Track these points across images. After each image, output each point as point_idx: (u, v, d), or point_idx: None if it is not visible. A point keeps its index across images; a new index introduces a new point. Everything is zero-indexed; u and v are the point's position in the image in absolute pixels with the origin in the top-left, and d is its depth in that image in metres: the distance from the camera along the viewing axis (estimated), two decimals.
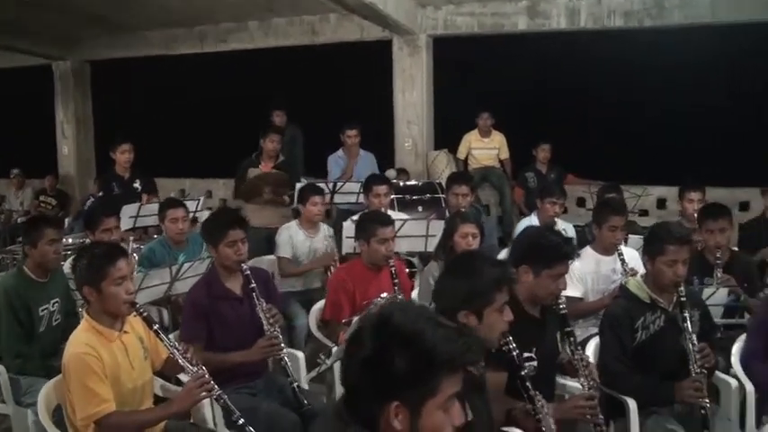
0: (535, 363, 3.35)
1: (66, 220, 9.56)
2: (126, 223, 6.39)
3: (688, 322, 3.68)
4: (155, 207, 6.43)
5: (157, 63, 12.29)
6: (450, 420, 1.91)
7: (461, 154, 10.04)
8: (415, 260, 6.40)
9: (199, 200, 7.62)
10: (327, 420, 2.04)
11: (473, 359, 1.98)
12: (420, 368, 1.83)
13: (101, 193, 8.06)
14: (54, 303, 4.64)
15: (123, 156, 8.09)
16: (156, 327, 3.56)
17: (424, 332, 1.85)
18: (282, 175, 7.74)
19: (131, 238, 6.08)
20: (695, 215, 5.52)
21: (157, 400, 3.78)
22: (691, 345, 3.65)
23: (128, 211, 6.61)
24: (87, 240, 6.78)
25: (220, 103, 12.44)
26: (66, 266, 4.96)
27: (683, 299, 3.71)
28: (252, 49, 11.35)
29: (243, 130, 9.94)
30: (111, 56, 12.32)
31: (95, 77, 12.89)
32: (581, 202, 9.30)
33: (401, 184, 8.03)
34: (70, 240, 6.80)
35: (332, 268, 5.96)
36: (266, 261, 6.18)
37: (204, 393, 3.46)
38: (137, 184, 8.20)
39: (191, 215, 6.46)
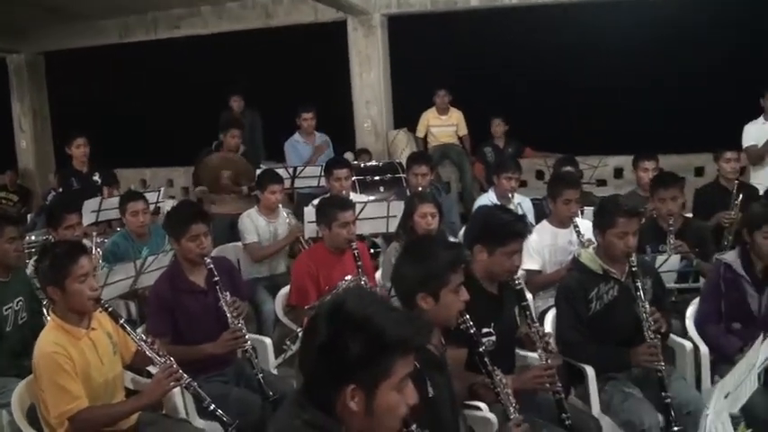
0: (494, 338, 3.46)
1: (29, 216, 9.49)
2: (88, 218, 6.39)
3: (641, 291, 3.81)
4: (116, 200, 6.43)
5: (112, 52, 12.16)
6: (405, 399, 2.00)
7: (420, 132, 10.12)
8: (379, 240, 6.48)
9: (159, 191, 7.62)
10: (287, 407, 2.13)
11: (422, 341, 2.08)
12: (373, 351, 1.91)
13: (60, 189, 8.01)
14: (18, 302, 4.64)
15: (79, 150, 8.06)
16: (122, 321, 3.62)
17: (374, 317, 1.94)
18: (245, 165, 7.76)
19: (94, 233, 6.07)
20: (648, 184, 5.67)
21: (128, 393, 3.83)
22: (644, 312, 3.78)
23: (89, 205, 6.60)
24: (51, 237, 6.81)
25: (177, 89, 12.38)
26: (30, 266, 4.98)
27: (634, 269, 3.84)
28: (206, 34, 11.28)
29: (201, 116, 9.95)
30: (65, 46, 12.14)
31: (50, 69, 12.72)
32: (540, 175, 9.43)
33: (362, 165, 8.09)
34: (33, 237, 6.77)
35: (301, 243, 6.05)
36: (231, 248, 6.24)
37: (173, 383, 3.54)
38: (96, 177, 8.17)
39: (152, 206, 6.47)
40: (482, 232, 3.61)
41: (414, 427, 2.08)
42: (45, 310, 4.52)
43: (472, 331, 3.00)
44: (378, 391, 1.94)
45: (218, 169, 7.59)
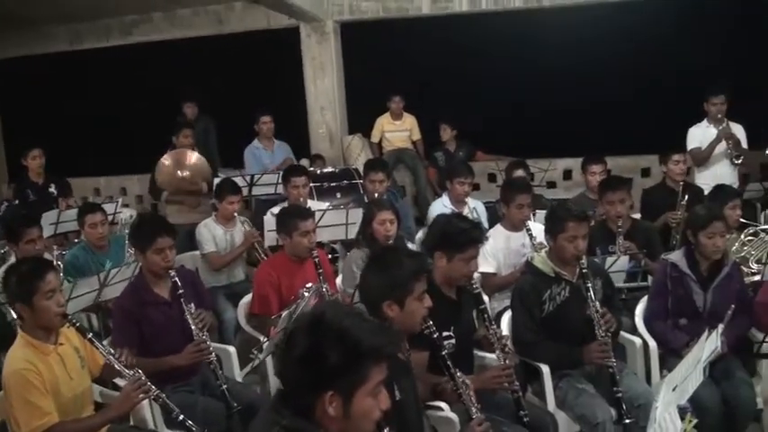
0: (454, 340, 3.60)
1: None
2: (47, 231, 6.37)
3: (591, 291, 3.99)
4: (74, 213, 6.43)
5: (63, 59, 12.06)
6: (378, 405, 2.14)
7: (375, 137, 10.26)
8: (337, 246, 6.58)
9: (117, 201, 7.63)
10: (264, 414, 2.24)
11: (394, 350, 2.23)
12: (350, 360, 2.05)
13: (16, 201, 7.96)
14: None
15: (35, 161, 8.04)
16: (90, 335, 3.67)
17: (351, 328, 2.08)
18: (203, 164, 7.83)
19: (54, 246, 6.07)
20: (597, 187, 5.87)
21: (97, 406, 3.88)
22: (595, 311, 3.96)
23: (48, 218, 6.59)
24: (6, 248, 6.77)
25: (130, 97, 12.28)
26: None
27: (584, 270, 4.02)
28: (158, 40, 11.27)
29: (154, 124, 9.89)
30: (15, 54, 12.02)
31: (0, 76, 12.54)
32: (492, 178, 9.62)
33: (318, 171, 8.18)
34: None
35: (257, 250, 6.13)
36: (189, 258, 6.28)
37: (142, 395, 3.61)
38: (52, 189, 8.14)
39: (109, 217, 6.48)
40: (441, 240, 3.76)
41: (386, 430, 2.20)
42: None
43: (435, 336, 3.14)
44: (354, 397, 2.07)
45: (173, 169, 7.64)
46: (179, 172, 7.69)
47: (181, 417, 3.69)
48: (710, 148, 7.14)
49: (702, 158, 7.22)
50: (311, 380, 2.07)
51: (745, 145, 7.23)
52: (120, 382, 3.96)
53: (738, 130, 7.22)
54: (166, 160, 7.80)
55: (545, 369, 4.03)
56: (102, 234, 5.92)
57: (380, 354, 2.11)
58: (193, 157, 7.88)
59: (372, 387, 2.10)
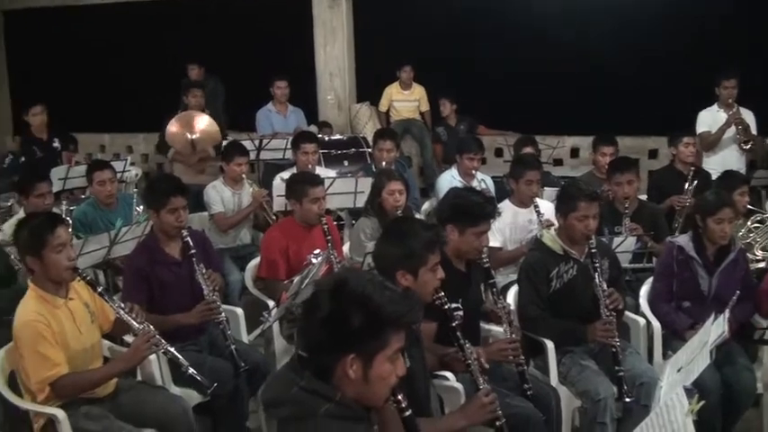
0: (462, 312, 3.64)
1: None
2: (55, 186, 6.39)
3: (598, 271, 4.03)
4: (83, 169, 6.46)
5: (73, 13, 11.97)
6: (395, 371, 2.20)
7: (383, 107, 10.23)
8: (344, 213, 6.61)
9: (126, 159, 7.65)
10: (281, 375, 2.29)
11: (415, 318, 2.28)
12: (372, 325, 2.11)
13: (23, 159, 7.96)
14: None
15: (36, 118, 8.06)
16: (100, 289, 3.73)
17: (374, 294, 2.13)
18: (214, 130, 7.84)
19: (64, 202, 6.10)
20: (606, 167, 5.89)
21: (106, 362, 3.91)
22: (600, 290, 4.00)
23: (56, 173, 6.62)
24: (11, 202, 6.81)
25: (139, 54, 12.20)
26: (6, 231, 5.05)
27: (593, 250, 4.05)
28: None
29: (162, 82, 9.89)
30: (24, 5, 11.93)
31: (8, 28, 12.46)
32: (499, 153, 9.62)
33: (326, 138, 8.17)
34: None
35: (266, 211, 6.17)
36: (196, 219, 6.30)
37: (152, 349, 3.66)
38: (56, 144, 8.15)
39: (118, 175, 6.50)
40: (454, 212, 3.79)
41: (400, 396, 2.25)
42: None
43: (447, 307, 3.18)
44: (374, 361, 2.13)
45: (182, 131, 7.69)
46: (188, 134, 7.67)
47: (190, 371, 3.76)
48: (720, 132, 7.15)
49: (711, 143, 7.23)
50: (333, 342, 2.12)
51: (754, 131, 7.23)
52: (129, 339, 4.01)
53: (748, 116, 7.22)
54: (174, 125, 7.77)
55: (549, 344, 4.08)
56: (110, 191, 5.95)
57: (401, 321, 2.17)
58: (204, 121, 7.85)
59: (391, 353, 2.16)
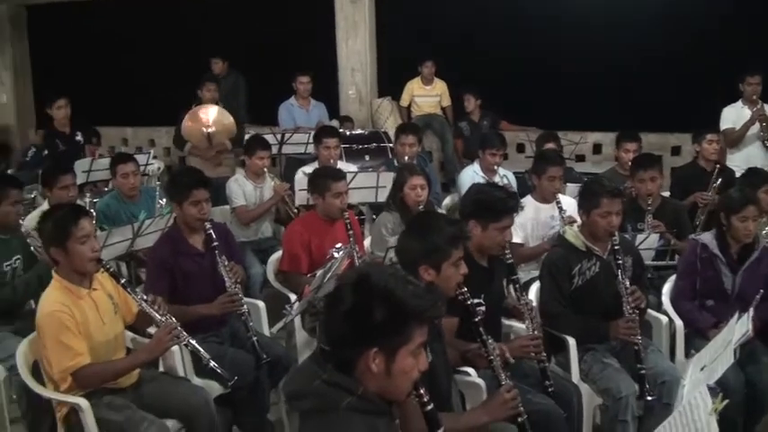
0: (484, 308, 3.63)
1: (9, 172, 9.47)
2: (79, 178, 6.44)
3: (621, 268, 4.00)
4: (106, 162, 6.51)
5: (96, 7, 12.05)
6: (417, 365, 2.19)
7: (404, 101, 10.22)
8: (365, 208, 6.61)
9: (149, 153, 7.70)
10: (304, 368, 2.30)
11: (438, 313, 2.28)
12: (395, 319, 2.11)
13: (46, 152, 8.03)
14: (16, 260, 4.76)
15: (60, 111, 8.11)
16: (123, 281, 3.75)
17: (396, 289, 2.13)
18: (227, 120, 7.87)
19: (87, 194, 6.15)
20: (629, 164, 5.86)
21: (128, 353, 3.94)
22: (623, 288, 3.98)
23: (80, 166, 6.67)
24: (34, 194, 6.88)
25: (162, 48, 12.28)
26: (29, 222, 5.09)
27: (616, 247, 4.02)
28: None
29: (184, 76, 9.91)
30: (46, 0, 12.04)
31: (32, 22, 12.56)
32: (521, 149, 9.58)
33: (347, 133, 8.18)
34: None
35: (288, 205, 6.18)
36: (217, 212, 6.32)
37: (174, 341, 3.69)
38: (78, 137, 8.21)
39: (141, 168, 6.54)
40: (476, 208, 3.78)
41: (422, 390, 2.25)
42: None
43: (470, 302, 3.17)
44: (397, 355, 2.13)
45: (199, 127, 7.72)
46: (204, 128, 7.70)
47: (212, 363, 3.78)
48: (744, 129, 7.10)
49: (735, 139, 7.18)
50: (356, 335, 2.13)
51: None
52: (152, 330, 4.03)
53: None
54: (193, 119, 7.80)
55: (571, 341, 4.06)
56: (133, 184, 5.99)
57: (424, 316, 2.16)
58: (215, 113, 7.88)
59: (414, 347, 2.16)
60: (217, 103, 8.14)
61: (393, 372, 2.14)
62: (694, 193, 6.05)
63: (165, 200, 5.92)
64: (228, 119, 7.91)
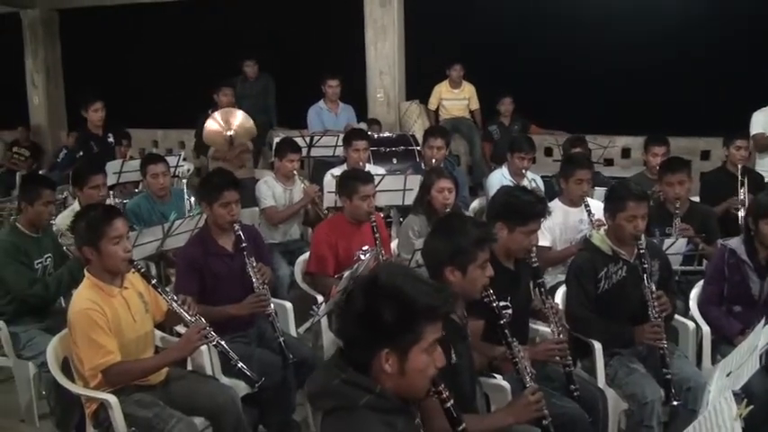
0: (510, 311, 3.64)
1: (40, 173, 9.63)
2: (110, 179, 6.54)
3: (648, 272, 3.99)
4: (137, 163, 6.60)
5: (126, 11, 12.23)
6: (434, 362, 2.22)
7: (432, 105, 10.23)
8: (392, 211, 6.64)
9: (179, 155, 7.79)
10: (325, 368, 2.34)
11: (448, 309, 2.31)
12: (405, 318, 2.14)
13: (80, 153, 8.15)
14: (47, 258, 4.86)
15: (96, 114, 8.20)
16: (154, 281, 3.81)
17: (405, 287, 2.16)
18: (249, 124, 7.97)
19: (113, 194, 6.24)
20: (657, 168, 5.83)
21: (157, 351, 4.01)
22: (649, 292, 3.96)
23: (112, 167, 6.77)
24: (65, 194, 6.99)
25: (192, 51, 12.41)
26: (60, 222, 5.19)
27: (642, 251, 4.01)
28: None
29: (215, 79, 10.00)
30: (79, 4, 12.23)
31: (64, 26, 12.75)
32: (548, 152, 9.56)
33: (375, 136, 8.20)
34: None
35: (317, 206, 6.22)
36: (247, 214, 6.39)
37: (203, 341, 3.74)
38: (110, 139, 8.33)
39: (171, 170, 6.62)
40: (504, 211, 3.79)
41: (442, 386, 2.28)
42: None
43: (495, 305, 3.19)
44: (410, 354, 2.16)
45: (220, 129, 7.82)
46: (225, 132, 7.80)
47: (239, 364, 3.83)
48: None
49: (765, 144, 7.11)
50: (368, 338, 2.17)
51: None
52: (181, 329, 4.10)
53: None
54: (213, 124, 7.89)
55: (597, 345, 4.05)
56: (163, 184, 6.07)
57: (434, 313, 2.19)
58: (240, 116, 7.97)
59: (427, 345, 2.18)
60: (233, 107, 8.23)
61: (407, 371, 2.17)
62: (727, 200, 5.98)
63: (192, 199, 6.00)
64: (249, 121, 7.98)
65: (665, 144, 6.40)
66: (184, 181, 6.44)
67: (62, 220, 5.30)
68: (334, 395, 2.20)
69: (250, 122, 7.99)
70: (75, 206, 5.58)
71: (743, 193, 5.87)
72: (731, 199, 5.94)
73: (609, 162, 9.16)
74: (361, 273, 4.04)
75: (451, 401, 2.31)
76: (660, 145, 6.35)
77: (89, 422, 3.74)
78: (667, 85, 9.97)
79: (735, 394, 2.44)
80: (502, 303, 3.35)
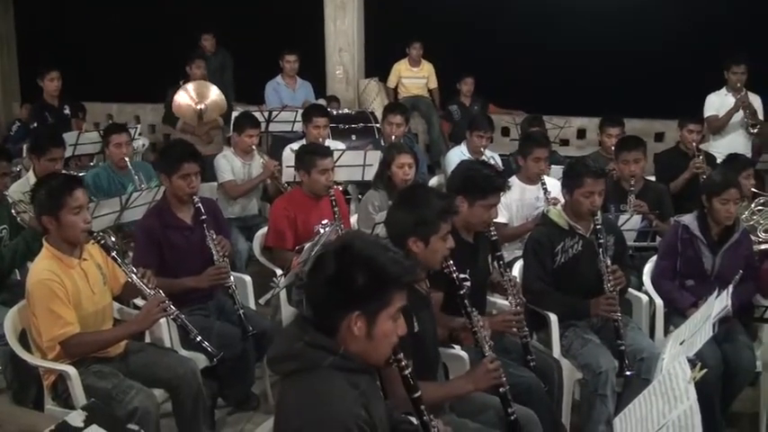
0: (469, 283, 3.69)
1: None
2: (66, 151, 6.43)
3: (603, 247, 4.07)
4: (94, 135, 6.52)
5: None
6: (396, 329, 2.29)
7: (391, 83, 10.23)
8: (351, 188, 6.65)
9: (135, 128, 7.70)
10: (285, 333, 2.37)
11: (415, 278, 2.44)
12: (376, 284, 2.21)
13: (35, 125, 7.99)
14: (2, 229, 4.79)
15: (52, 83, 8.04)
16: (113, 253, 3.77)
17: (377, 256, 2.23)
18: (222, 101, 7.87)
19: (70, 167, 6.16)
20: (612, 148, 5.93)
21: (116, 323, 3.98)
22: (604, 266, 4.06)
23: (68, 138, 6.65)
24: (19, 167, 6.85)
25: (148, 24, 12.22)
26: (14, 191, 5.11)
27: (598, 226, 4.09)
28: None
29: (170, 53, 9.87)
30: None
31: None
32: (505, 132, 9.64)
33: (334, 112, 8.19)
34: None
35: (278, 181, 6.20)
36: (206, 188, 6.33)
37: (162, 314, 3.73)
38: (66, 111, 8.18)
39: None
40: (464, 184, 3.84)
41: (401, 355, 2.35)
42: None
43: (455, 275, 3.23)
44: (378, 318, 2.23)
45: (192, 102, 7.74)
46: (195, 105, 7.72)
47: (198, 338, 3.83)
48: (727, 116, 7.18)
49: (718, 126, 7.26)
50: (338, 300, 2.21)
51: (761, 116, 7.26)
52: (139, 302, 4.07)
53: (756, 101, 7.25)
54: (184, 96, 7.80)
55: (553, 317, 4.14)
56: (125, 154, 6.01)
57: (402, 281, 2.27)
58: (214, 92, 7.89)
59: (394, 311, 2.25)
60: (205, 80, 8.13)
61: (374, 335, 2.23)
62: (682, 175, 6.10)
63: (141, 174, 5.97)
64: (222, 98, 7.91)
65: (621, 125, 6.51)
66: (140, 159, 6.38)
67: (16, 190, 5.20)
68: (296, 357, 2.23)
69: (223, 99, 7.91)
70: (30, 176, 5.49)
71: (700, 159, 6.01)
72: (691, 162, 6.06)
73: (564, 142, 9.28)
74: (323, 244, 4.05)
75: (409, 369, 2.38)
76: (615, 126, 6.47)
77: (47, 394, 3.70)
78: (624, 67, 10.12)
79: (688, 360, 2.53)
80: (462, 276, 3.40)
